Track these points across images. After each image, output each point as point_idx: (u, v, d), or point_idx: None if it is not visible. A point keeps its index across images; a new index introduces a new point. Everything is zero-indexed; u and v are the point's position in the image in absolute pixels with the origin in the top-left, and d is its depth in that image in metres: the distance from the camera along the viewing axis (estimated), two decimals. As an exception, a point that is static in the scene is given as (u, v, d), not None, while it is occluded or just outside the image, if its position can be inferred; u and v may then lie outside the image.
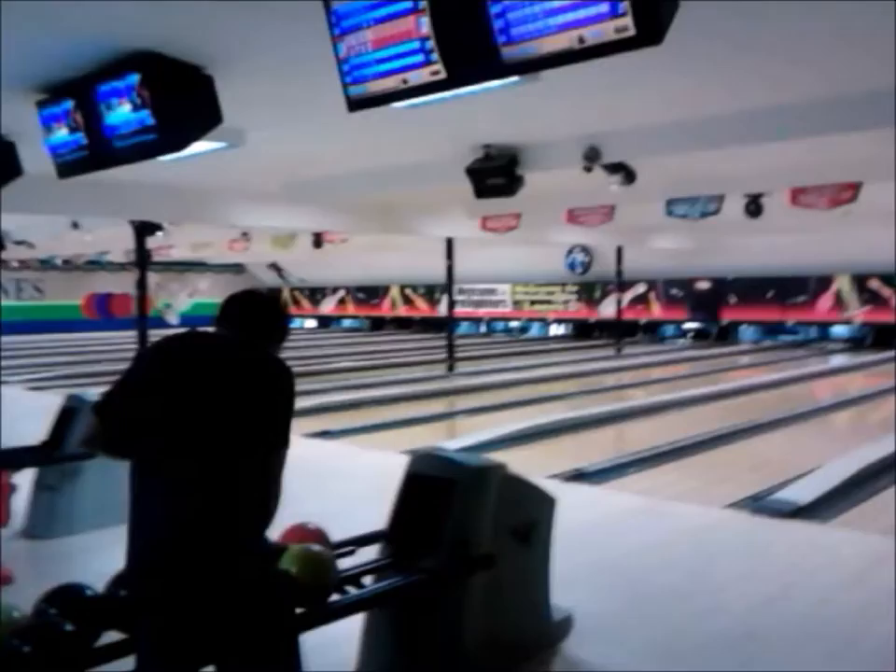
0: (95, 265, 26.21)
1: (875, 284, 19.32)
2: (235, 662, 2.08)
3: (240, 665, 2.09)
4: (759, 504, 5.72)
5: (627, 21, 2.71)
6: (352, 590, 2.84)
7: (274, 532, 3.04)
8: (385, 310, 29.13)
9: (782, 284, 20.53)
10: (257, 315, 2.28)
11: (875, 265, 18.78)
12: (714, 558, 4.66)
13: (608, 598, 4.01)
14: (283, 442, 2.11)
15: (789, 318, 20.82)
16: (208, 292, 31.07)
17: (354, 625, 3.02)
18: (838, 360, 17.93)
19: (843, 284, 19.78)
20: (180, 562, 2.00)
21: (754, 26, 4.18)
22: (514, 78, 3.43)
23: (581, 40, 2.85)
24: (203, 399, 2.10)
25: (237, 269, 31.37)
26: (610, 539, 5.01)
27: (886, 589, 4.08)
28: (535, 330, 25.83)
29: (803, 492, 5.96)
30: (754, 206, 11.54)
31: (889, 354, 17.83)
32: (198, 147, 5.20)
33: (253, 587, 2.09)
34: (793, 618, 3.78)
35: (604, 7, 2.75)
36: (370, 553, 3.17)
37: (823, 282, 20.00)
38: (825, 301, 20.14)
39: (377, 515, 3.29)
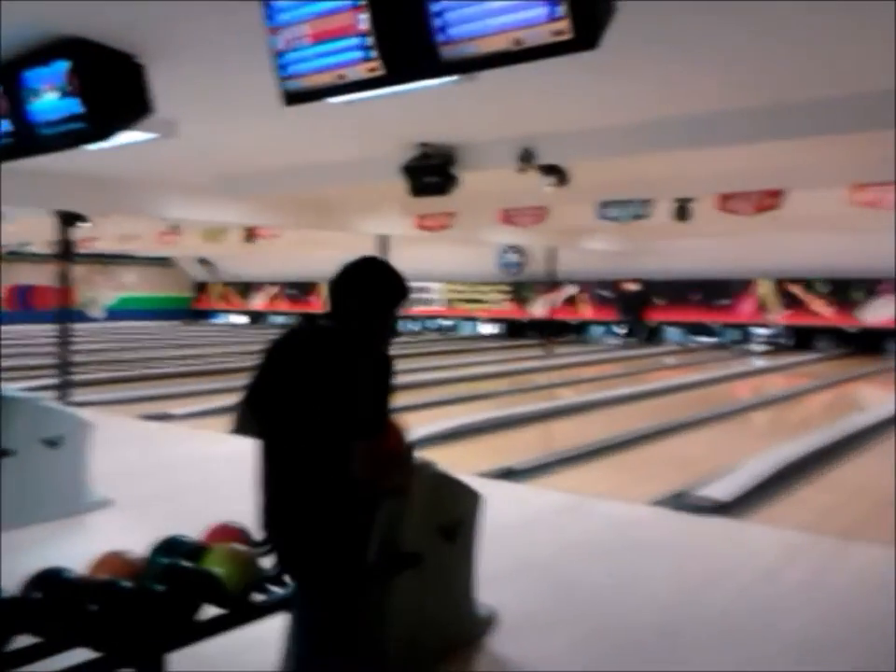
0: (17, 256, 25.35)
1: (795, 288, 19.98)
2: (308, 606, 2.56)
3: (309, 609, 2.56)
4: (681, 501, 5.87)
5: (564, 24, 2.76)
6: (276, 589, 2.82)
7: (198, 532, 3.01)
8: (315, 306, 28.89)
9: (707, 286, 21.08)
10: (351, 290, 2.54)
11: (795, 270, 19.43)
12: (638, 555, 4.77)
13: (533, 595, 4.07)
14: (351, 430, 2.35)
15: (713, 320, 21.38)
16: (135, 286, 30.40)
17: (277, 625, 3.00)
18: (759, 362, 18.48)
19: (765, 287, 20.40)
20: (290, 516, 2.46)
21: (688, 34, 4.29)
22: (452, 78, 3.45)
23: (519, 42, 2.88)
24: (289, 392, 2.43)
25: (165, 262, 30.76)
26: (537, 536, 5.08)
27: (800, 582, 4.25)
28: (466, 329, 25.97)
29: (723, 489, 6.13)
30: (683, 210, 11.83)
31: (808, 356, 18.51)
32: (128, 137, 5.09)
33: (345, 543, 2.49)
34: (713, 612, 3.89)
35: (542, 10, 2.79)
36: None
37: (746, 285, 20.60)
38: (748, 304, 20.74)
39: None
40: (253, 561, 2.77)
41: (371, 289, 2.52)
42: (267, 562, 2.87)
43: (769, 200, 10.58)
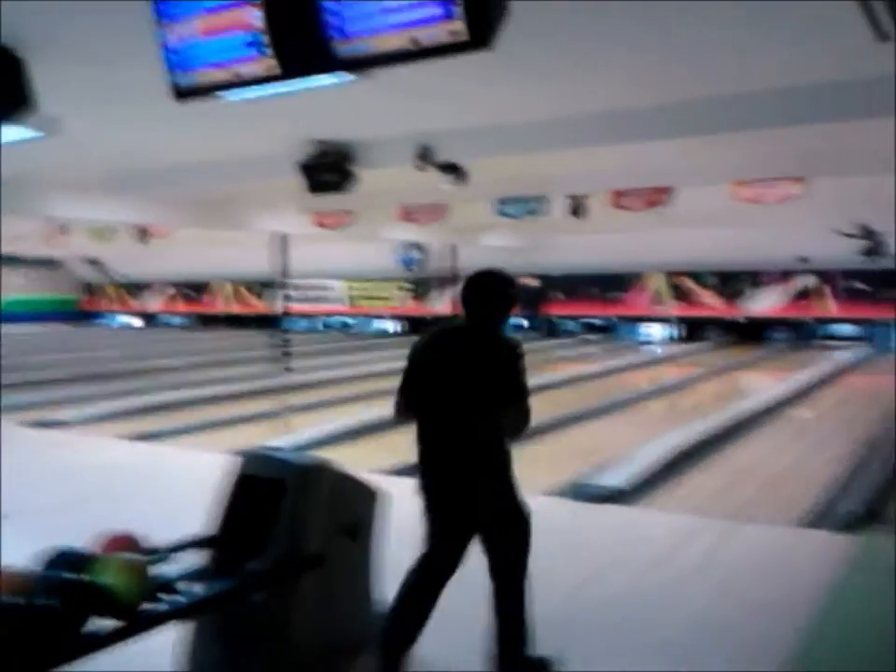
0: None
1: (686, 280, 20.71)
2: (490, 530, 3.17)
3: (494, 532, 3.17)
4: (579, 490, 6.01)
5: (460, 24, 2.79)
6: (169, 598, 2.75)
7: (87, 541, 2.92)
8: (215, 307, 28.27)
9: (603, 280, 21.63)
10: (485, 298, 3.07)
11: (685, 263, 20.14)
12: (538, 544, 4.84)
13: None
14: (505, 405, 3.02)
15: (609, 313, 21.95)
16: (21, 288, 29.05)
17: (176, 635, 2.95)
18: (654, 352, 19.08)
19: (659, 281, 21.07)
20: (455, 471, 3.08)
21: (580, 35, 4.39)
22: (349, 75, 3.44)
23: (415, 41, 2.90)
24: (446, 378, 3.02)
25: (53, 264, 29.49)
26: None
27: (692, 565, 4.42)
28: (368, 327, 25.89)
29: (620, 477, 6.31)
30: (578, 207, 12.11)
31: (699, 346, 19.22)
32: (7, 134, 4.86)
33: (512, 489, 3.14)
34: (609, 599, 4.01)
35: (437, 10, 2.81)
36: (194, 558, 3.09)
37: (640, 279, 21.23)
38: (642, 297, 21.39)
39: (203, 519, 3.21)
40: (145, 570, 2.70)
41: (499, 296, 3.10)
42: (159, 569, 2.81)
43: (658, 196, 10.94)
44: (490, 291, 3.09)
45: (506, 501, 3.15)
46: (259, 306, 27.09)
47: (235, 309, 27.76)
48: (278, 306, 16.74)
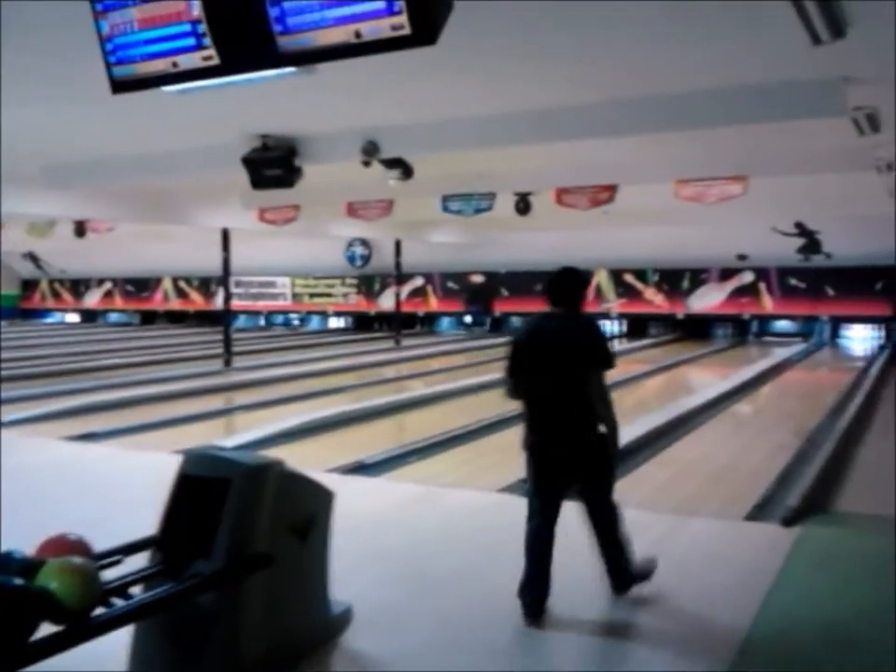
0: None
1: (629, 277, 20.98)
2: (591, 483, 3.87)
3: (593, 485, 3.87)
4: (528, 487, 6.03)
5: (403, 19, 2.76)
6: (118, 602, 2.69)
7: (32, 545, 2.83)
8: (156, 303, 27.75)
9: (548, 277, 21.76)
10: (567, 290, 3.92)
11: (629, 260, 20.41)
12: (489, 542, 4.87)
13: (388, 588, 4.08)
14: (598, 366, 3.81)
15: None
16: (-47, 284, 28.11)
17: (124, 640, 2.88)
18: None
19: (602, 277, 21.31)
20: (564, 434, 3.80)
21: (525, 32, 4.40)
22: (291, 69, 3.38)
23: (358, 35, 2.86)
24: (549, 355, 3.79)
25: (-14, 259, 28.59)
26: (390, 528, 5.10)
27: (640, 555, 4.46)
28: (315, 323, 25.70)
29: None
30: (523, 204, 12.17)
31: (643, 342, 19.50)
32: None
33: (601, 438, 3.82)
34: (562, 590, 4.02)
35: (380, 5, 2.78)
36: (140, 561, 3.02)
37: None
38: (587, 293, 21.62)
39: (149, 521, 3.14)
40: (92, 573, 2.63)
41: (579, 287, 3.97)
42: (108, 573, 2.74)
43: (603, 194, 11.05)
44: (572, 284, 3.94)
45: (602, 445, 3.84)
46: (200, 302, 26.70)
47: (177, 305, 27.30)
48: (221, 302, 16.50)
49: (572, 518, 3.95)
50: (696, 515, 5.28)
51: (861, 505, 5.78)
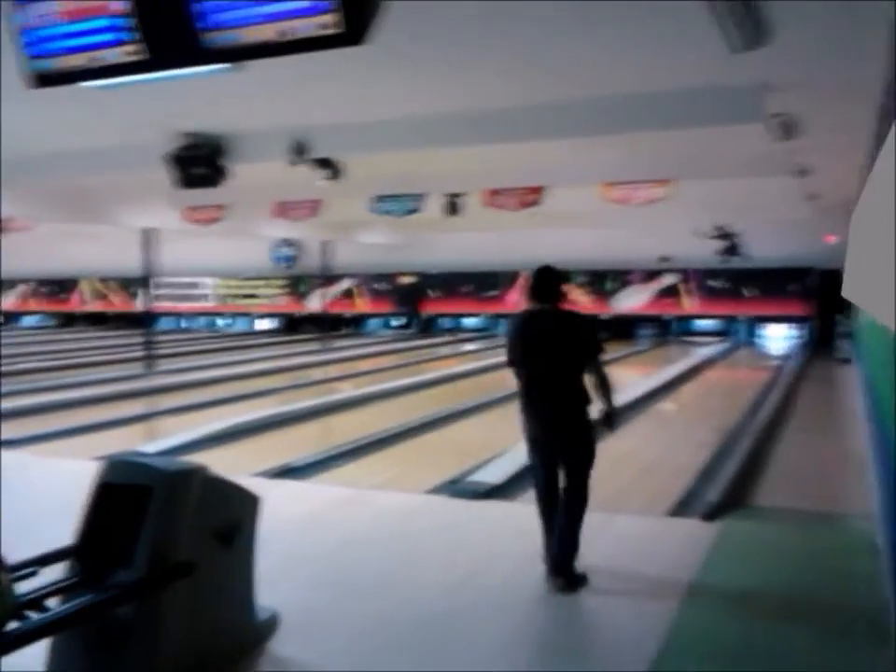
0: None
1: (556, 280, 21.25)
2: (574, 459, 4.17)
3: (575, 460, 4.16)
4: (457, 487, 6.06)
5: (331, 18, 2.74)
6: (33, 615, 2.59)
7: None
8: (75, 305, 26.94)
9: (477, 278, 21.92)
10: (549, 287, 4.20)
11: (556, 261, 20.52)
12: (417, 543, 4.87)
13: (315, 593, 4.04)
14: (592, 355, 4.11)
15: (483, 311, 22.28)
16: None
17: (40, 655, 2.78)
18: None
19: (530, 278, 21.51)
20: (557, 417, 4.13)
21: (455, 36, 4.41)
22: (217, 66, 3.32)
23: (285, 33, 2.82)
24: (541, 343, 4.12)
25: None
26: (317, 532, 5.05)
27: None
28: (241, 325, 25.32)
29: (495, 473, 6.40)
30: (453, 205, 12.21)
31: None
32: None
33: (587, 424, 4.15)
34: (489, 592, 4.05)
35: (308, 3, 2.75)
36: (57, 572, 2.92)
37: (512, 277, 21.64)
38: (514, 295, 21.81)
39: (66, 531, 3.04)
40: (5, 586, 2.53)
41: (561, 283, 4.22)
42: (23, 585, 2.64)
43: (531, 196, 11.17)
44: (554, 280, 4.21)
45: (587, 430, 4.15)
46: (121, 304, 26.04)
47: (96, 307, 26.57)
48: (145, 304, 16.12)
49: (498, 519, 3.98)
50: (622, 512, 5.38)
51: (778, 499, 5.97)
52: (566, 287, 4.25)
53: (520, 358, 4.19)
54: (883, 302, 4.44)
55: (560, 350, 4.08)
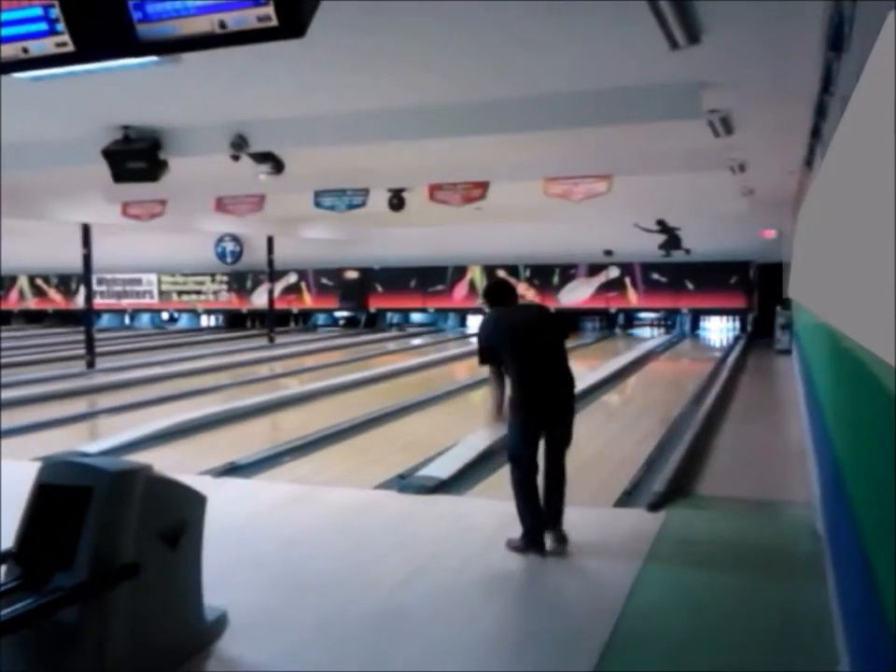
0: None
1: (502, 273, 21.34)
2: (567, 436, 4.66)
3: (567, 437, 4.66)
4: (405, 482, 6.05)
5: (269, 10, 2.70)
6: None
7: None
8: (11, 303, 26.23)
9: (423, 273, 21.92)
10: (509, 292, 4.85)
11: (502, 256, 20.79)
12: (366, 539, 4.86)
13: (264, 591, 4.01)
14: (562, 339, 4.78)
15: (429, 305, 22.29)
16: None
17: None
18: (473, 344, 19.53)
19: (475, 274, 21.61)
20: (553, 392, 4.58)
21: (396, 31, 4.40)
22: (152, 58, 3.25)
23: (223, 25, 2.77)
24: (525, 332, 4.58)
25: None
26: (264, 530, 5.01)
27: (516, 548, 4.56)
28: (184, 322, 24.92)
29: (444, 467, 6.41)
30: (397, 200, 12.17)
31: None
32: None
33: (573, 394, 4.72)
34: (438, 586, 4.07)
35: (246, -7, 2.71)
36: (-4, 575, 2.85)
37: (459, 271, 21.69)
38: (461, 289, 21.87)
39: (5, 533, 2.96)
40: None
41: (513, 289, 4.98)
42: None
43: (475, 191, 11.19)
44: (509, 287, 4.93)
45: (572, 402, 4.72)
46: (59, 301, 25.45)
47: (34, 304, 25.91)
48: (83, 301, 15.75)
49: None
50: (570, 504, 5.42)
51: (720, 488, 6.09)
52: (516, 291, 4.92)
53: (510, 351, 4.50)
54: (826, 300, 4.55)
55: (549, 337, 4.64)
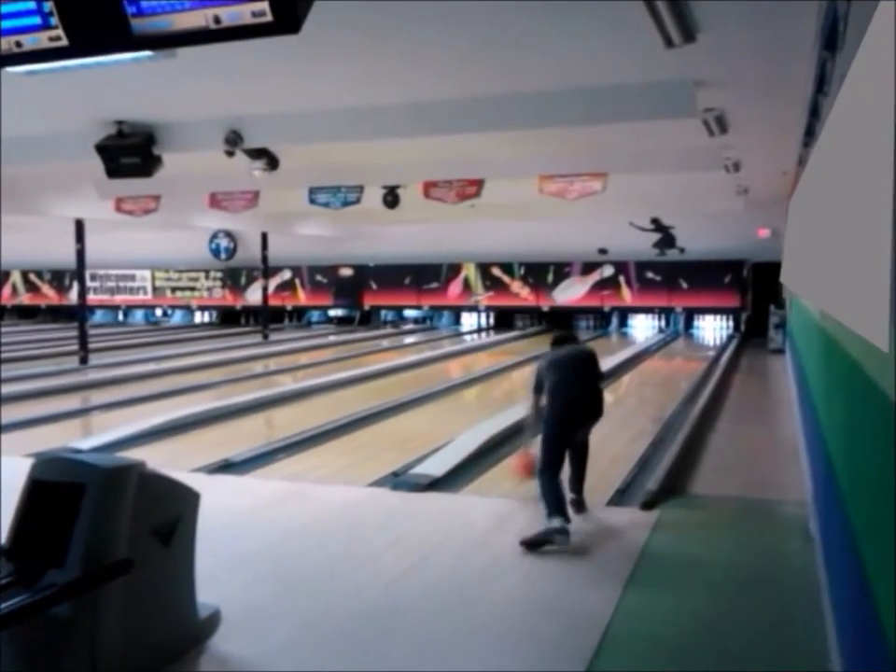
0: None
1: (496, 271, 21.36)
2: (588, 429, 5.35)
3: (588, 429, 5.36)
4: (399, 480, 6.05)
5: (264, 5, 2.68)
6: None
7: None
8: (5, 298, 26.14)
9: (418, 270, 21.91)
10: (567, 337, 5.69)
11: (496, 254, 20.78)
12: (360, 537, 4.86)
13: (258, 588, 4.00)
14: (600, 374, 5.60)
15: (424, 303, 22.27)
16: None
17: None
18: (467, 342, 19.56)
19: (470, 271, 21.60)
20: (585, 403, 5.25)
21: (394, 27, 4.39)
22: (147, 53, 3.23)
23: (217, 20, 2.76)
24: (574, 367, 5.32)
25: None
26: (259, 527, 5.00)
27: (509, 546, 4.57)
28: (178, 318, 24.87)
29: (438, 465, 6.41)
30: (391, 197, 12.15)
31: (510, 334, 19.91)
32: None
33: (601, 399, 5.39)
34: (431, 584, 4.07)
35: (242, -11, 2.69)
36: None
37: (454, 269, 21.68)
38: (455, 287, 21.86)
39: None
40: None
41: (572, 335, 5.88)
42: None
43: (470, 188, 11.18)
44: (568, 335, 5.78)
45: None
46: (53, 296, 25.37)
47: (27, 300, 25.84)
48: (76, 297, 15.70)
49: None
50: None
51: (713, 488, 6.10)
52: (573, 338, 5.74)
53: (553, 381, 5.18)
54: (819, 289, 4.55)
55: (591, 368, 5.45)
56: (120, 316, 25.32)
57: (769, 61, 5.09)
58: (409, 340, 19.76)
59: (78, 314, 15.20)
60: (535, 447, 5.11)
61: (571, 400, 5.19)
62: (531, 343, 18.02)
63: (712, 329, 20.19)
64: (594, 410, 5.37)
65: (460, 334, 21.12)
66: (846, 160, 2.82)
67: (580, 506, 5.30)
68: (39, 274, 25.49)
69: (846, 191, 2.77)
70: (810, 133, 5.62)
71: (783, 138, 7.69)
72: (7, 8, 2.99)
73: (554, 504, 4.78)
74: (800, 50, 4.61)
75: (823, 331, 4.11)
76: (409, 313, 22.94)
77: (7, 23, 3.02)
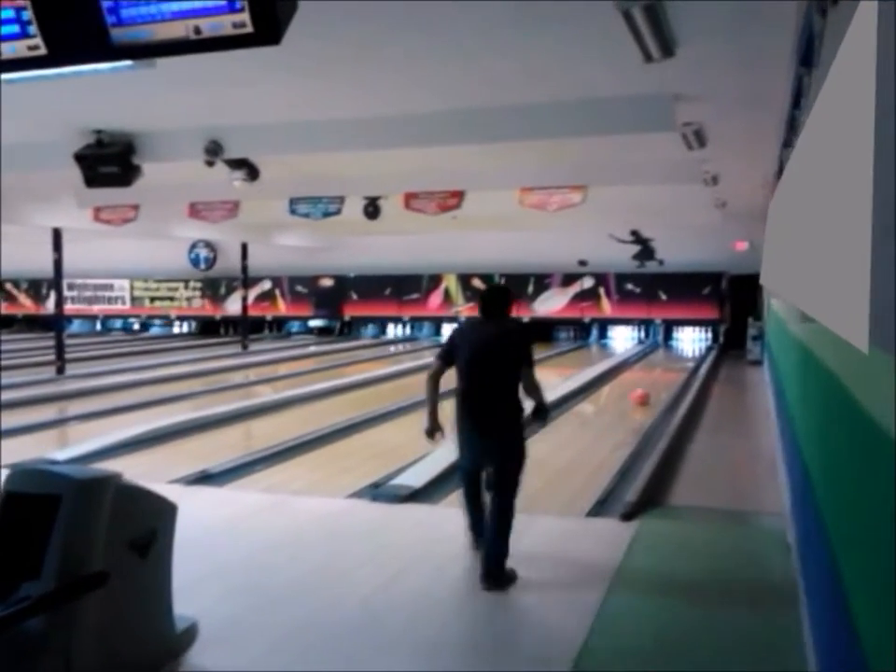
0: None
1: (477, 282, 21.40)
2: (501, 463, 4.30)
3: (504, 467, 4.29)
4: (378, 491, 6.03)
5: (245, 17, 2.69)
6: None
7: None
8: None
9: (399, 281, 21.90)
10: (497, 302, 4.46)
11: (477, 265, 20.83)
12: (339, 548, 4.83)
13: (235, 601, 3.97)
14: (525, 363, 4.35)
15: (404, 314, 22.27)
16: None
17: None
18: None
19: (450, 282, 21.63)
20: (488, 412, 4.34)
21: (375, 39, 4.40)
22: (126, 62, 3.22)
23: (198, 31, 2.75)
24: (479, 348, 4.34)
25: None
26: (237, 539, 4.96)
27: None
28: (157, 328, 24.70)
29: (416, 477, 6.40)
30: (372, 208, 12.16)
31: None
32: None
33: (519, 432, 4.34)
34: (409, 595, 4.05)
35: (221, 1, 2.69)
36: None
37: (434, 280, 21.70)
38: (436, 298, 21.87)
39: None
40: None
41: (508, 300, 4.53)
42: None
43: (451, 200, 11.21)
44: (504, 297, 4.51)
45: (518, 440, 4.32)
46: (29, 306, 25.13)
47: (3, 309, 25.56)
48: (53, 306, 15.56)
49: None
50: (543, 513, 5.44)
51: (692, 499, 6.13)
52: (511, 305, 4.56)
53: (462, 363, 4.36)
54: (799, 290, 4.58)
55: (501, 358, 4.33)
56: (98, 326, 25.12)
57: (747, 76, 5.15)
58: (390, 350, 19.70)
59: (55, 323, 15.06)
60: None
61: (472, 414, 4.37)
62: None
63: (691, 341, 20.32)
64: (491, 436, 4.31)
65: (441, 346, 21.11)
66: (825, 162, 2.86)
67: (498, 586, 4.11)
68: (16, 283, 25.25)
69: (825, 190, 2.80)
70: (787, 147, 5.69)
71: (761, 152, 7.77)
72: (-14, 16, 2.97)
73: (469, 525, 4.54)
74: (777, 66, 4.67)
75: (800, 343, 4.15)
76: (391, 329, 22.88)
77: (-14, 31, 3.00)
